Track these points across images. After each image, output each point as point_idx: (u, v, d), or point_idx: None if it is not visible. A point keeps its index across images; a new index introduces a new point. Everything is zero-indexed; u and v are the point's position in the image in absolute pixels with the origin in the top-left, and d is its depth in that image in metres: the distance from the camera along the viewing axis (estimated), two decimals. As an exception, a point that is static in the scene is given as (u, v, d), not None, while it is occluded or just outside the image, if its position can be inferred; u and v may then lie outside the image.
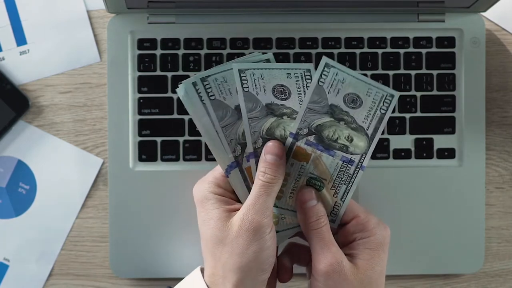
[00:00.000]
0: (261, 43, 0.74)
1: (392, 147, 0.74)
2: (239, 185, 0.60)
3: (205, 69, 0.70)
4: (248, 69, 0.60)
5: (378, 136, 0.60)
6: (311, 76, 0.61)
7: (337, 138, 0.60)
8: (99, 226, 0.76)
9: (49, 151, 0.75)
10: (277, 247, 0.60)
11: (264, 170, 0.58)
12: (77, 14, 0.76)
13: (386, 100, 0.61)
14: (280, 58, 0.73)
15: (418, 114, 0.74)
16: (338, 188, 0.60)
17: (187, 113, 0.62)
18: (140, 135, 0.73)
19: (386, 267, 0.60)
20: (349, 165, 0.60)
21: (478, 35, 0.75)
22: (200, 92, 0.59)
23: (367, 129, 0.60)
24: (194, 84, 0.59)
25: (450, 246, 0.74)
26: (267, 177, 0.58)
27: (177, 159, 0.74)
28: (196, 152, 0.74)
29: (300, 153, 0.60)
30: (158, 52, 0.74)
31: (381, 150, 0.74)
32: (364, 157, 0.60)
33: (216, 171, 0.61)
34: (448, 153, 0.74)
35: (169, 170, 0.73)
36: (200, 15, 0.74)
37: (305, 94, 0.60)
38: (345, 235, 0.61)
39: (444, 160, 0.74)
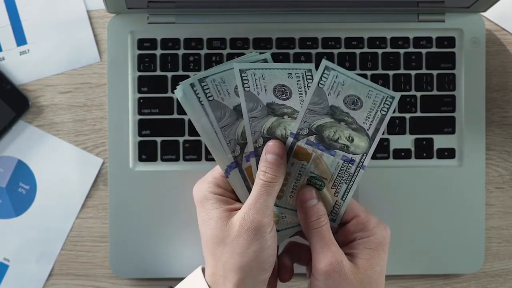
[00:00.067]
0: (261, 43, 0.74)
1: (392, 147, 0.74)
2: (239, 185, 0.60)
3: (205, 69, 0.70)
4: (249, 69, 0.60)
5: (379, 136, 0.60)
6: (312, 76, 0.61)
7: (338, 138, 0.60)
8: (99, 226, 0.76)
9: (49, 151, 0.75)
10: (278, 246, 0.60)
11: (265, 169, 0.58)
12: (77, 14, 0.76)
13: (386, 102, 0.61)
14: (280, 58, 0.73)
15: (418, 114, 0.74)
16: (338, 187, 0.60)
17: (186, 113, 0.62)
18: (140, 135, 0.73)
19: (386, 267, 0.60)
20: (350, 165, 0.60)
21: (478, 35, 0.75)
22: (198, 93, 0.59)
23: (367, 130, 0.60)
24: (192, 85, 0.59)
25: (450, 246, 0.74)
26: (268, 177, 0.58)
27: (177, 159, 0.74)
28: (196, 152, 0.74)
29: (300, 153, 0.60)
30: (158, 52, 0.74)
31: (381, 150, 0.74)
32: (365, 157, 0.60)
33: (216, 171, 0.61)
34: (448, 153, 0.74)
35: (169, 170, 0.73)
36: (200, 15, 0.74)
37: (306, 94, 0.60)
38: (345, 234, 0.61)
39: (444, 160, 0.74)
